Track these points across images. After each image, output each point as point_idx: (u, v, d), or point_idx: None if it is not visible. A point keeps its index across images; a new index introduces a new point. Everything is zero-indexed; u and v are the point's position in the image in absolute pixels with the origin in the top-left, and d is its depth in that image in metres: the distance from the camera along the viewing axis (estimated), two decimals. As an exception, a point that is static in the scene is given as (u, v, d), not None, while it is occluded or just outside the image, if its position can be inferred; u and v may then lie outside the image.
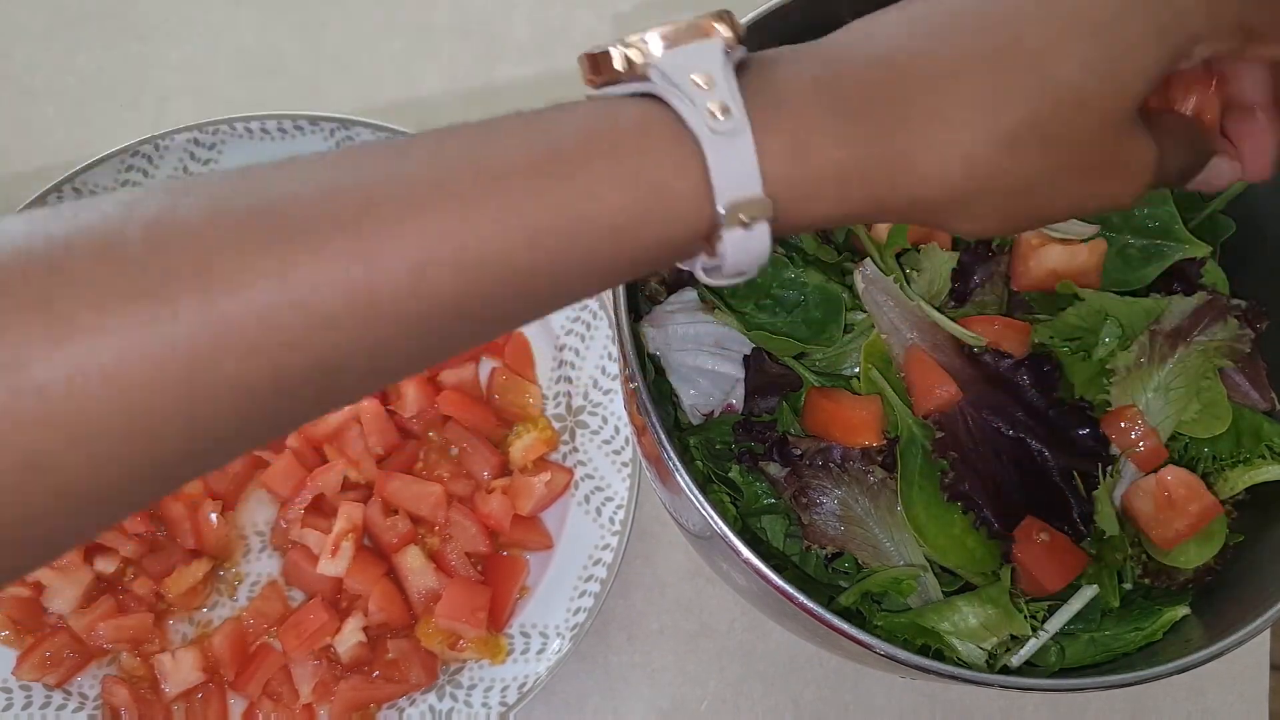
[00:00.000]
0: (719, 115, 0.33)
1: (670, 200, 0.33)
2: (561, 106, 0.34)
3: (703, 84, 0.34)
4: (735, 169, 0.33)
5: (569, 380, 0.80)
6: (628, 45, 0.35)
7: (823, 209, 0.35)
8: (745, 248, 0.35)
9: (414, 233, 0.30)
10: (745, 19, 0.53)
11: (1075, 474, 0.56)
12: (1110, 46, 0.35)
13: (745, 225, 0.34)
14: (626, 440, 0.77)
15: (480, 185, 0.31)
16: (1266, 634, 0.65)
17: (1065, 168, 0.36)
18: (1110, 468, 0.56)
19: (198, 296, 0.28)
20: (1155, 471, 0.56)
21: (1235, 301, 0.58)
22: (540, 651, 0.73)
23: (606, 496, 0.76)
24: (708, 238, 0.35)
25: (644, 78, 0.34)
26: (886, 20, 0.36)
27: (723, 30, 0.35)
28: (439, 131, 0.33)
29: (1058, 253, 0.58)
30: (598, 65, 0.35)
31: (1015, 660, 0.56)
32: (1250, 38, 0.38)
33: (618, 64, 0.35)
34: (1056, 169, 0.36)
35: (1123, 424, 0.56)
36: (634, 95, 0.35)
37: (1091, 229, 0.60)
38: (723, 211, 0.34)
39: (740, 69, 0.35)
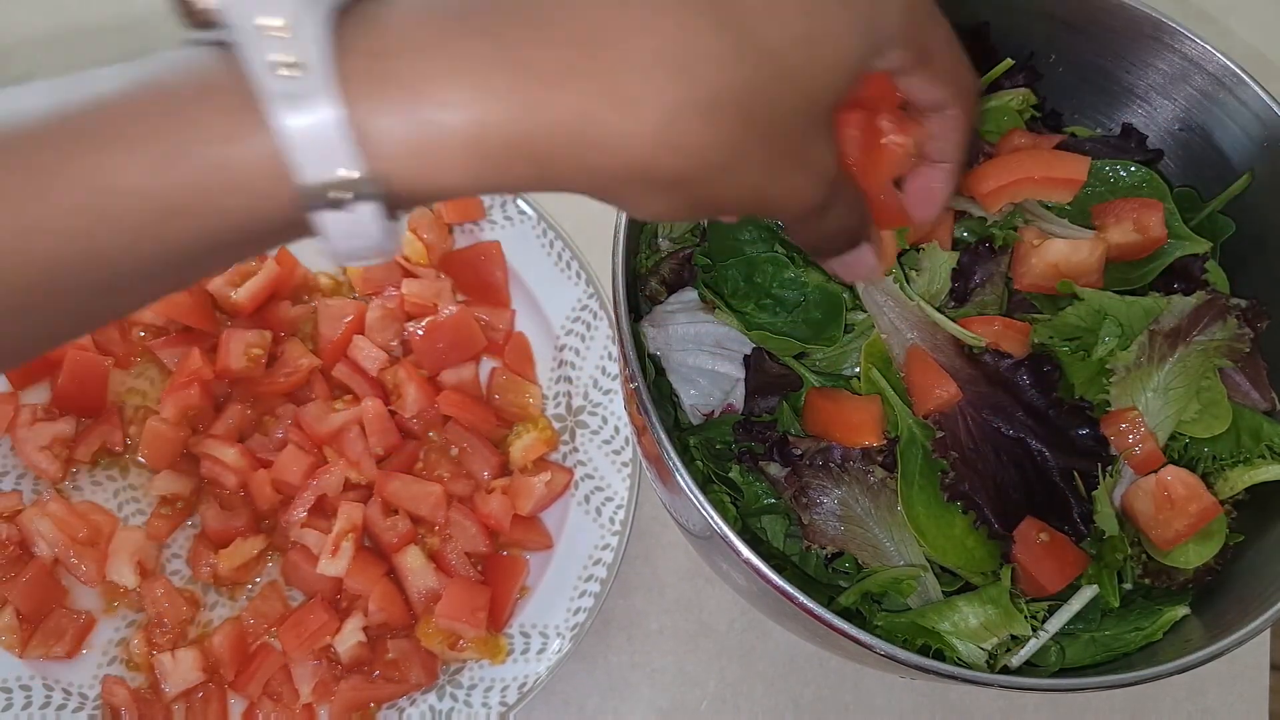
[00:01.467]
0: (286, 71, 0.28)
1: (230, 176, 0.28)
2: (127, 65, 0.29)
3: (274, 28, 0.28)
4: (315, 139, 0.28)
5: (569, 380, 0.80)
6: None
7: (455, 179, 0.30)
8: (352, 232, 0.30)
9: None
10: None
11: (1075, 474, 0.56)
12: (819, 26, 0.33)
13: (340, 206, 0.29)
14: (626, 440, 0.77)
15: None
16: (1266, 634, 0.65)
17: (760, 149, 0.32)
18: (1110, 468, 0.56)
19: None
20: (1155, 472, 0.56)
21: (1235, 301, 0.58)
22: (540, 651, 0.73)
23: (606, 496, 0.76)
24: (297, 220, 0.29)
25: (219, 23, 0.29)
26: None
27: None
28: None
29: (1059, 249, 0.58)
30: (187, 4, 0.30)
31: (1015, 660, 0.56)
32: (922, 58, 0.37)
33: (196, 4, 0.29)
34: (751, 149, 0.32)
35: (1121, 426, 0.56)
36: (221, 44, 0.29)
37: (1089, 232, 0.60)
38: (303, 190, 0.29)
39: (348, 11, 0.29)
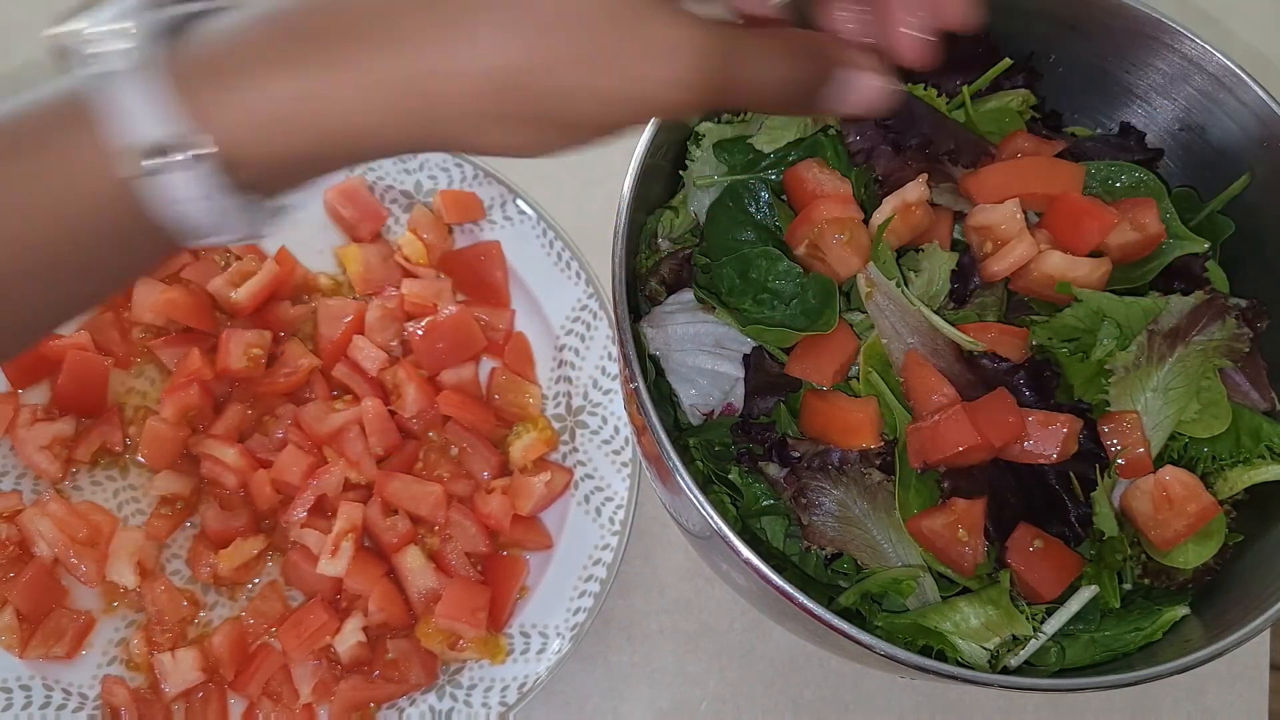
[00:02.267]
0: (122, 57, 0.32)
1: (64, 165, 0.32)
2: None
3: (115, 29, 0.33)
4: (133, 108, 0.32)
5: (569, 380, 0.80)
6: (64, 25, 0.33)
7: (294, 145, 0.34)
8: (190, 195, 0.33)
9: None
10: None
11: (1072, 476, 0.56)
12: None
13: (160, 169, 0.32)
14: (626, 440, 0.77)
15: None
16: (1266, 634, 0.65)
17: (588, 54, 0.33)
18: (1108, 469, 0.56)
19: None
20: (1154, 472, 0.56)
21: (1234, 301, 0.58)
22: (540, 651, 0.73)
23: (606, 496, 0.76)
24: (130, 198, 0.33)
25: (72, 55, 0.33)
26: None
27: None
28: None
29: (1057, 262, 0.58)
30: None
31: (1015, 660, 0.56)
32: None
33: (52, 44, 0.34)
34: (579, 58, 0.33)
35: (1108, 428, 0.56)
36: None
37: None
38: (125, 151, 0.32)
39: (179, 23, 0.34)
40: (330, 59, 0.33)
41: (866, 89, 0.40)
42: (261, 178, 0.34)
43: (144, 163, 0.32)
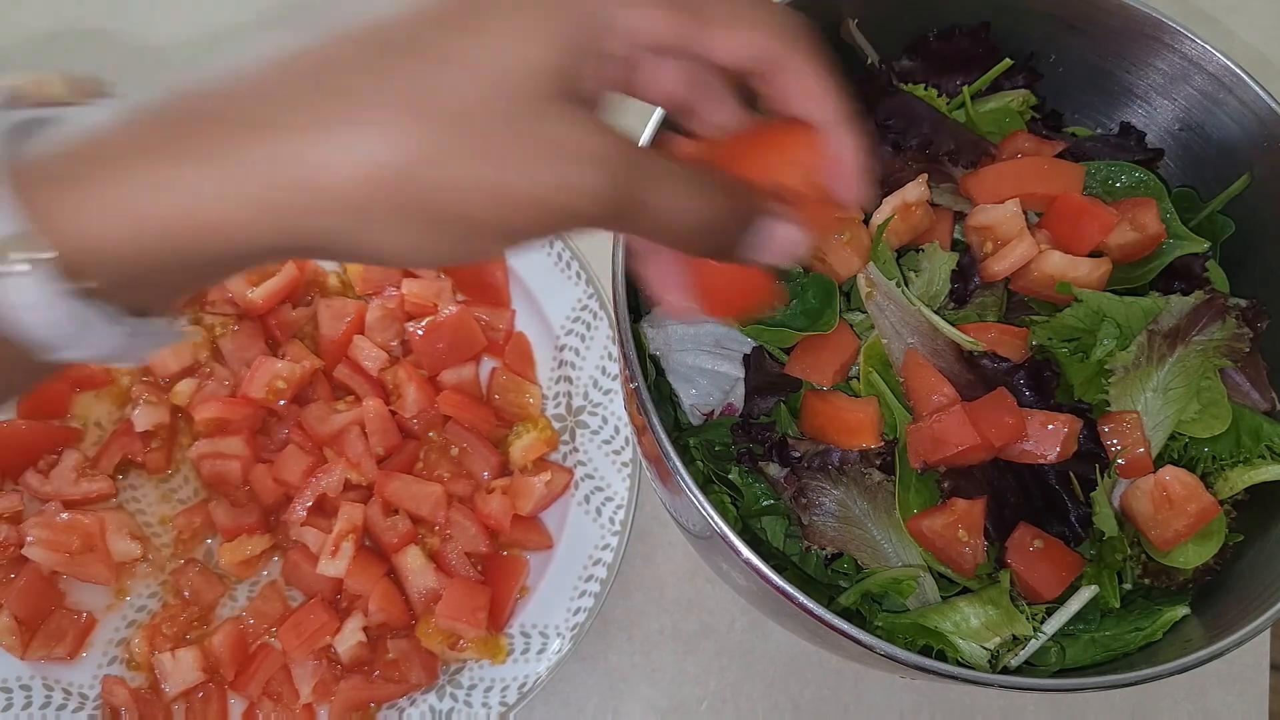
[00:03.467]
0: None
1: None
2: None
3: None
4: None
5: (569, 380, 0.80)
6: None
7: (146, 245, 0.30)
8: (52, 319, 0.30)
9: None
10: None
11: (1072, 476, 0.56)
12: (497, 15, 0.32)
13: (6, 280, 0.29)
14: (626, 440, 0.77)
15: None
16: (1266, 634, 0.65)
17: (474, 146, 0.31)
18: (1108, 469, 0.56)
19: None
20: (1154, 472, 0.56)
21: (1234, 301, 0.58)
22: (540, 651, 0.73)
23: (606, 496, 0.76)
24: None
25: None
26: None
27: None
28: None
29: (1057, 262, 0.58)
30: None
31: (1015, 660, 0.56)
32: (700, 19, 0.35)
33: None
34: (475, 147, 0.31)
35: (1107, 428, 0.56)
36: None
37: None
38: None
39: (31, 126, 0.31)
40: (197, 149, 0.30)
41: (787, 240, 0.38)
42: (120, 285, 0.31)
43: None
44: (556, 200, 0.32)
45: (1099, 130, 0.70)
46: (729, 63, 0.37)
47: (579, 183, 0.32)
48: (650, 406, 0.52)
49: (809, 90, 0.38)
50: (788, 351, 0.59)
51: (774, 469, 0.56)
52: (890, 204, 0.59)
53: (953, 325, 0.57)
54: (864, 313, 0.59)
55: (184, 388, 0.77)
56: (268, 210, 0.30)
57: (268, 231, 0.30)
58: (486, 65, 0.31)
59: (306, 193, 0.30)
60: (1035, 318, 0.59)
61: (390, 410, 0.77)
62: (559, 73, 0.32)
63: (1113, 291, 0.58)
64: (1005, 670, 0.56)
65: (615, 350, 0.78)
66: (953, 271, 0.60)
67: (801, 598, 0.49)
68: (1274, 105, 0.61)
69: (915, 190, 0.59)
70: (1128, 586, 0.59)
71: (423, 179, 0.30)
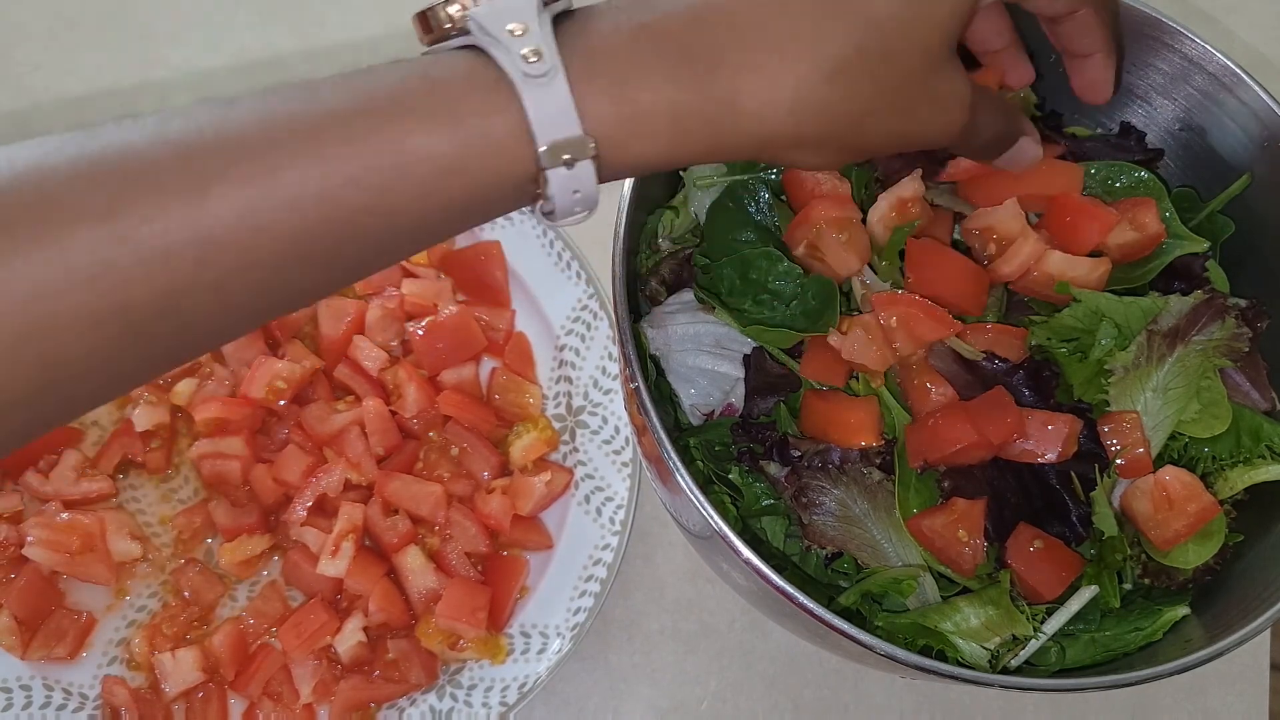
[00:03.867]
0: (531, 59, 0.36)
1: (492, 141, 0.36)
2: (391, 63, 0.37)
3: (517, 32, 0.36)
4: (551, 109, 0.36)
5: (569, 380, 0.80)
6: (450, 2, 0.38)
7: (654, 148, 0.38)
8: (571, 187, 0.37)
9: (238, 175, 0.33)
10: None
11: (1073, 476, 0.56)
12: None
13: (568, 165, 0.37)
14: (626, 440, 0.77)
15: (299, 132, 0.34)
16: (1266, 634, 0.65)
17: (888, 99, 0.39)
18: (1108, 469, 0.56)
19: (36, 232, 0.31)
20: (1154, 472, 0.56)
21: (1234, 300, 0.58)
22: (540, 651, 0.73)
23: (606, 496, 0.76)
24: (535, 179, 0.37)
25: (465, 31, 0.37)
26: None
27: None
28: (266, 89, 0.36)
29: (1057, 262, 0.58)
30: (427, 23, 0.38)
31: (1015, 660, 0.56)
32: None
33: (443, 20, 0.38)
34: (880, 101, 0.39)
35: (1107, 428, 0.56)
36: (461, 49, 0.38)
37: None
38: (543, 150, 0.36)
39: (561, 19, 0.38)
40: (690, 74, 0.37)
41: (1031, 156, 0.52)
42: (615, 174, 0.39)
43: (557, 155, 0.36)
44: (931, 136, 0.42)
45: (1099, 130, 0.70)
46: (1045, 11, 0.50)
47: (954, 124, 0.42)
48: (650, 406, 0.52)
49: (1088, 33, 0.51)
50: (787, 352, 0.59)
51: (774, 468, 0.56)
52: (885, 200, 0.59)
53: (952, 325, 0.57)
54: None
55: (184, 388, 0.77)
56: (729, 130, 0.38)
57: (727, 141, 0.39)
58: (910, 27, 0.39)
59: (764, 123, 0.38)
60: (1034, 318, 0.59)
61: (390, 410, 0.77)
62: (955, 33, 0.41)
63: (1112, 291, 0.58)
64: (1005, 670, 0.56)
65: (615, 350, 0.78)
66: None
67: (801, 597, 0.49)
68: (1274, 105, 0.61)
69: (910, 185, 0.59)
70: (1128, 586, 0.59)
71: (851, 122, 0.39)
